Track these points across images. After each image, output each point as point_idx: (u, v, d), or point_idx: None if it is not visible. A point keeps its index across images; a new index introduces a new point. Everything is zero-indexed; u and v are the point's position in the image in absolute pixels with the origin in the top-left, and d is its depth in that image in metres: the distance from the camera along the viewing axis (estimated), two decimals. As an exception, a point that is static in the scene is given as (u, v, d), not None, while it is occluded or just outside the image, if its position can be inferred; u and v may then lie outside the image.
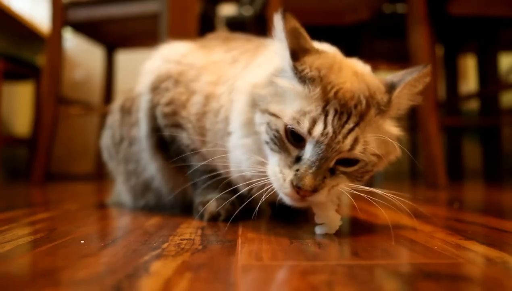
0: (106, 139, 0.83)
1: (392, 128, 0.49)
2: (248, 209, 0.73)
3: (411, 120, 2.27)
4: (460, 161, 2.03)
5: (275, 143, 0.48)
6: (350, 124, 0.45)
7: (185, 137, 0.66)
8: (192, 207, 0.66)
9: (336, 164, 0.46)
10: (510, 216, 0.71)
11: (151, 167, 0.73)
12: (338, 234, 0.51)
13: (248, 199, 0.56)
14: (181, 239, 0.46)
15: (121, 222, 0.67)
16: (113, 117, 0.82)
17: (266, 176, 0.48)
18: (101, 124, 0.89)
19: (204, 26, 1.59)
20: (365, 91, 0.47)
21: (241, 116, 0.53)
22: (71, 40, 2.58)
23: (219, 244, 0.45)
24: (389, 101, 0.48)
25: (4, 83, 2.07)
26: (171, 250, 0.41)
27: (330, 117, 0.45)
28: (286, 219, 0.63)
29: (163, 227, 0.56)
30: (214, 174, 0.65)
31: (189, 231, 0.52)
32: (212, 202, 0.62)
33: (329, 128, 0.44)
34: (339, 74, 0.48)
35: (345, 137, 0.44)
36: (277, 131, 0.47)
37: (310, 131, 0.45)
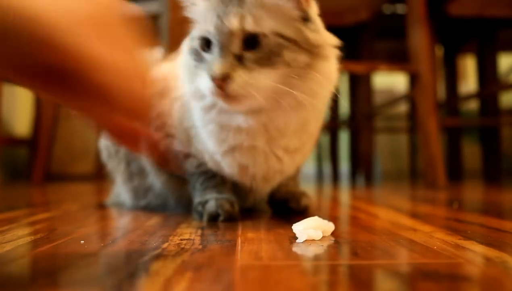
0: (105, 139, 0.83)
1: (286, 7, 0.51)
2: (248, 209, 0.73)
3: (411, 120, 2.28)
4: (460, 161, 2.03)
5: (196, 60, 0.52)
6: (231, 7, 0.49)
7: (177, 144, 0.66)
8: (192, 208, 0.66)
9: (243, 51, 0.49)
10: (509, 216, 0.71)
11: (156, 181, 0.73)
12: (338, 234, 0.51)
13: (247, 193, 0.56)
14: (181, 239, 0.46)
15: (121, 222, 0.67)
16: None
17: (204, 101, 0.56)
18: (101, 125, 0.88)
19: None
20: None
21: (185, 68, 0.57)
22: (71, 41, 2.58)
23: (218, 244, 0.45)
24: None
25: (4, 83, 2.07)
26: (171, 250, 0.41)
27: (218, 9, 0.50)
28: (285, 214, 0.63)
29: (163, 227, 0.56)
30: (210, 174, 0.65)
31: (189, 231, 0.53)
32: (211, 202, 0.62)
33: (216, 19, 0.49)
34: None
35: (229, 17, 0.48)
36: (195, 49, 0.52)
37: (208, 30, 0.50)
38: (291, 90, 0.50)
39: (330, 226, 0.49)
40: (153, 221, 0.62)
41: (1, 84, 1.98)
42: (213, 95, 0.51)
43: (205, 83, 0.50)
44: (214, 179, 0.65)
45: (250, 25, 0.49)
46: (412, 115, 2.19)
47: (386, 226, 0.58)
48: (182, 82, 0.59)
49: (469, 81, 2.87)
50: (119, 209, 0.79)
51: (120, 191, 0.82)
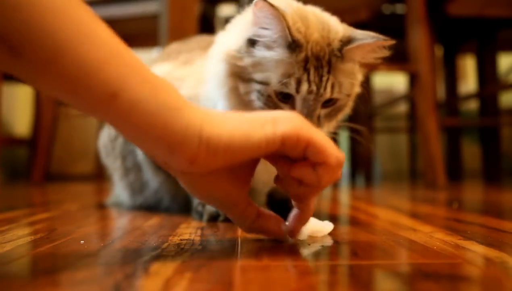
0: (103, 138, 0.83)
1: (354, 68, 0.54)
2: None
3: (411, 120, 2.28)
4: (459, 161, 2.03)
5: (269, 106, 0.52)
6: (325, 75, 0.51)
7: None
8: (191, 208, 0.66)
9: (320, 109, 0.53)
10: (509, 216, 0.71)
11: (153, 180, 0.73)
12: (338, 234, 0.51)
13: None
14: (181, 239, 0.47)
15: (121, 222, 0.67)
16: None
17: None
18: (101, 125, 0.89)
19: (204, 27, 1.59)
20: (325, 39, 0.52)
21: (223, 88, 0.56)
22: (71, 41, 2.58)
23: (218, 244, 0.45)
24: (341, 51, 0.52)
25: (4, 83, 2.07)
26: (171, 250, 0.41)
27: (311, 76, 0.50)
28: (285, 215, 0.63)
29: (163, 227, 0.56)
30: None
31: (189, 231, 0.53)
32: None
33: (313, 86, 0.50)
34: (308, 25, 0.52)
35: (325, 88, 0.50)
36: (269, 96, 0.52)
37: (297, 91, 0.50)
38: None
39: (329, 225, 0.49)
40: (153, 221, 0.62)
41: (1, 84, 1.98)
42: None
43: None
44: None
45: (336, 93, 0.52)
46: (412, 115, 2.19)
47: (385, 226, 0.58)
48: (215, 95, 0.58)
49: (469, 81, 2.87)
50: (119, 209, 0.79)
51: (118, 190, 0.83)
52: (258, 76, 0.52)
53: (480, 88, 1.93)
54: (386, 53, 0.54)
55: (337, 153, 0.40)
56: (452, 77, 2.08)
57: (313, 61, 0.50)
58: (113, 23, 1.70)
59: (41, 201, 1.04)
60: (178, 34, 1.15)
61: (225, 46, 0.55)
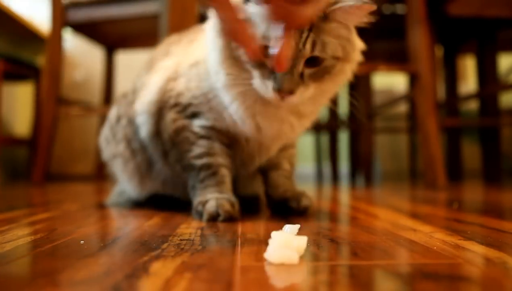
0: (104, 132, 0.84)
1: (342, 31, 0.56)
2: (248, 209, 0.73)
3: (411, 120, 2.28)
4: (460, 161, 2.03)
5: (254, 61, 0.56)
6: (305, 32, 0.53)
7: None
8: (192, 207, 0.66)
9: (304, 68, 0.55)
10: (509, 216, 0.71)
11: (155, 154, 0.75)
12: (338, 234, 0.51)
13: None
14: (181, 240, 0.47)
15: (121, 222, 0.67)
16: (111, 113, 0.84)
17: (245, 84, 0.59)
18: (101, 125, 0.89)
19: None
20: None
21: (218, 40, 0.59)
22: (71, 41, 2.58)
23: (218, 244, 0.45)
24: (324, 12, 0.54)
25: (4, 83, 2.07)
26: (171, 250, 0.41)
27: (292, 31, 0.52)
28: (284, 215, 0.63)
29: (163, 228, 0.56)
30: (210, 171, 0.66)
31: (189, 231, 0.53)
32: (211, 202, 0.62)
33: (292, 41, 0.52)
34: None
35: (304, 44, 0.53)
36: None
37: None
38: (320, 89, 0.60)
39: (302, 243, 0.39)
40: (153, 221, 0.62)
41: (1, 84, 1.98)
42: (272, 100, 0.57)
43: (266, 89, 0.57)
44: (214, 176, 0.66)
45: (318, 51, 0.55)
46: (412, 115, 2.19)
47: (386, 226, 0.58)
48: (210, 45, 0.62)
49: (469, 82, 2.87)
50: (118, 209, 0.79)
51: (122, 183, 0.82)
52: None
53: (480, 88, 1.93)
54: (370, 18, 0.56)
55: None
56: (452, 77, 2.08)
57: None
58: (113, 23, 1.71)
59: (41, 201, 1.04)
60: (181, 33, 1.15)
61: None
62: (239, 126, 0.66)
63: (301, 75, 0.56)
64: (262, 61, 0.56)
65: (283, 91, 0.55)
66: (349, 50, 0.58)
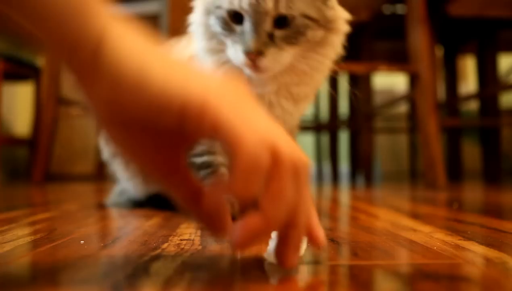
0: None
1: None
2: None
3: (411, 120, 2.28)
4: (460, 161, 2.03)
5: (224, 29, 0.55)
6: None
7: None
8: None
9: (274, 29, 0.54)
10: (509, 216, 0.71)
11: None
12: (338, 234, 0.51)
13: None
14: (181, 239, 0.46)
15: (121, 222, 0.67)
16: None
17: (224, 60, 0.58)
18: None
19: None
20: None
21: (200, 26, 0.60)
22: (71, 41, 2.58)
23: (218, 244, 0.45)
24: None
25: (4, 83, 2.07)
26: (171, 250, 0.41)
27: None
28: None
29: (163, 227, 0.56)
30: (210, 170, 0.66)
31: (189, 231, 0.53)
32: None
33: None
34: None
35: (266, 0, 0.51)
36: (223, 18, 0.55)
37: (240, 5, 0.52)
38: (306, 61, 0.58)
39: (302, 243, 0.36)
40: (153, 221, 0.62)
41: (1, 84, 1.98)
42: (244, 66, 0.55)
43: (237, 54, 0.55)
44: (214, 175, 0.66)
45: (283, 8, 0.53)
46: (412, 115, 2.19)
47: (386, 226, 0.58)
48: (196, 37, 0.62)
49: (469, 82, 2.87)
50: (118, 209, 0.79)
51: (123, 182, 0.82)
52: (216, 2, 0.56)
53: (480, 88, 1.93)
54: None
55: (257, 149, 0.26)
56: (452, 77, 2.08)
57: None
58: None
59: (41, 201, 1.04)
60: (178, 34, 1.15)
61: None
62: None
63: (271, 36, 0.54)
64: (232, 27, 0.55)
65: (250, 52, 0.52)
66: (327, 15, 0.56)
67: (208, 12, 0.58)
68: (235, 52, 0.55)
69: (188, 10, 0.63)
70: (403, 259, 0.39)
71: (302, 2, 0.54)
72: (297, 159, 0.28)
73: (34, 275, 0.34)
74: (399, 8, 1.86)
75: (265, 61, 0.54)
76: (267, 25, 0.53)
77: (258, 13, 0.53)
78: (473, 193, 1.28)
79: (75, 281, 0.31)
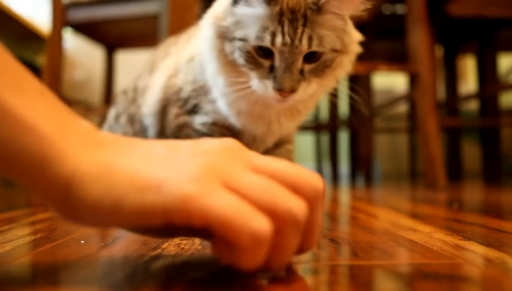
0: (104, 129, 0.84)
1: (338, 22, 0.55)
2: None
3: (411, 120, 2.28)
4: (460, 161, 2.03)
5: (250, 63, 0.55)
6: (300, 28, 0.52)
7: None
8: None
9: (303, 64, 0.55)
10: (509, 216, 0.71)
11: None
12: (338, 234, 0.51)
13: None
14: (181, 239, 0.47)
15: (121, 222, 0.67)
16: (110, 113, 0.84)
17: (243, 88, 0.58)
18: (101, 125, 0.89)
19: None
20: None
21: (212, 49, 0.59)
22: (71, 41, 2.58)
23: (218, 244, 0.45)
24: (317, 4, 0.53)
25: (4, 83, 2.07)
26: (171, 250, 0.41)
27: (286, 28, 0.52)
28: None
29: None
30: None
31: (189, 231, 0.52)
32: None
33: (287, 39, 0.52)
34: None
35: (300, 40, 0.52)
36: (248, 52, 0.54)
37: (272, 43, 0.52)
38: (325, 86, 0.60)
39: None
40: (153, 221, 0.62)
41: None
42: (273, 100, 0.56)
43: (267, 90, 0.55)
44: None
45: (316, 46, 0.54)
46: (412, 115, 2.19)
47: (386, 226, 0.58)
48: (207, 58, 0.61)
49: (469, 82, 2.87)
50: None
51: None
52: (238, 33, 0.55)
53: (480, 88, 1.93)
54: (366, 4, 0.55)
55: (254, 226, 0.26)
56: (452, 77, 2.08)
57: (287, 14, 0.52)
58: (113, 23, 1.71)
59: (41, 201, 1.04)
60: (178, 34, 1.16)
61: (214, 10, 0.59)
62: (228, 122, 0.67)
63: (301, 72, 0.55)
64: (258, 61, 0.55)
65: (284, 90, 0.54)
66: (346, 42, 0.57)
67: (221, 36, 0.57)
68: (265, 88, 0.55)
69: (188, 10, 0.63)
70: (403, 259, 0.39)
71: (330, 37, 0.55)
72: (298, 205, 0.29)
73: (34, 275, 0.34)
74: (399, 8, 1.87)
75: (296, 97, 0.55)
76: (300, 63, 0.54)
77: (292, 53, 0.53)
78: (473, 193, 1.28)
79: (75, 281, 0.31)
